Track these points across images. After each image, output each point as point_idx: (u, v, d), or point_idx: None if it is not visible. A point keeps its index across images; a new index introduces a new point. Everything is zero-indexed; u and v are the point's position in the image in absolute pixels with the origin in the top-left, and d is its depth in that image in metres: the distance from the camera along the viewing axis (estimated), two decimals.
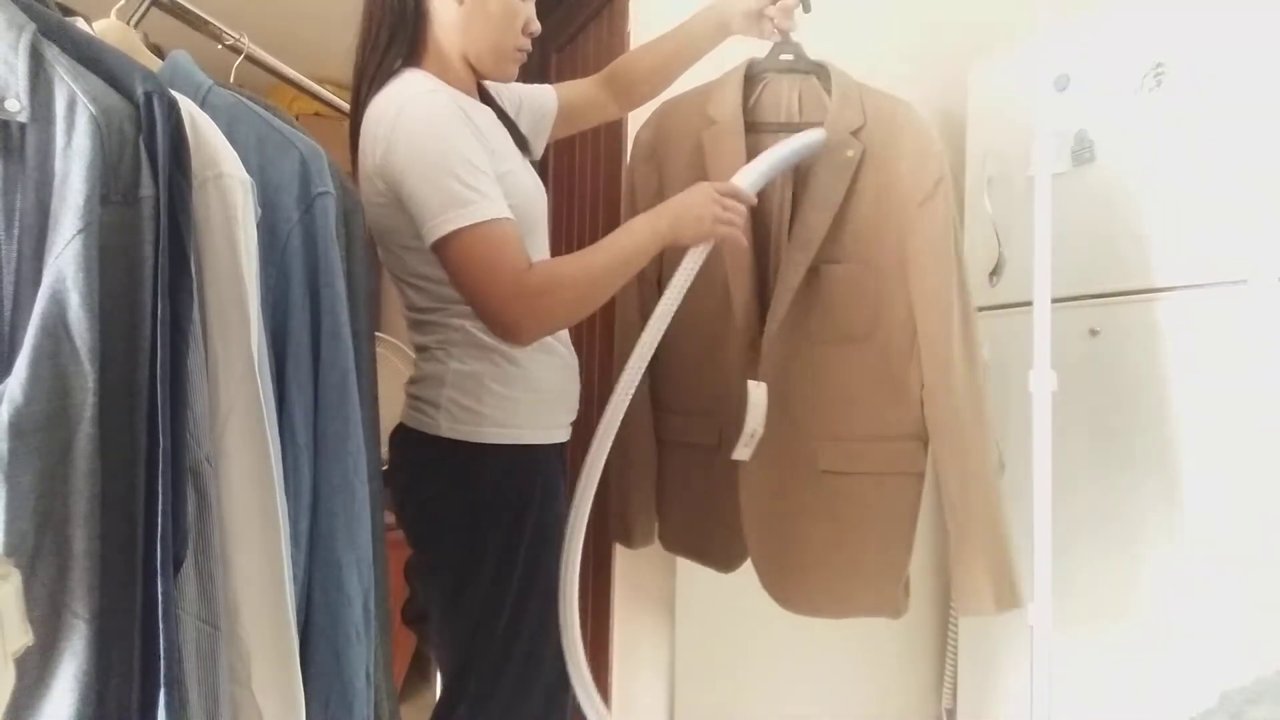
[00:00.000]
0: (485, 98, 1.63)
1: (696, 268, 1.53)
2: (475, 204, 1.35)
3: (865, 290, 1.72)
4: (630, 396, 1.52)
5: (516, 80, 1.65)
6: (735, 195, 1.54)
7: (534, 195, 1.55)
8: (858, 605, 1.80)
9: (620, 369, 1.54)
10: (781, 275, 1.71)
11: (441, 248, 1.38)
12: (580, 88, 1.86)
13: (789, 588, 1.79)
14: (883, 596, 1.75)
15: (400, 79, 1.47)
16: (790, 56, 1.79)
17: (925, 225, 1.69)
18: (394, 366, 2.56)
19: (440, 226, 1.35)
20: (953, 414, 1.69)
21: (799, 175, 1.75)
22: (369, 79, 1.49)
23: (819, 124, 1.72)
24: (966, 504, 1.67)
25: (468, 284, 1.39)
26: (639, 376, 1.52)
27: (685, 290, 1.52)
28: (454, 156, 1.36)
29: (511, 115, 1.69)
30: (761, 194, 1.70)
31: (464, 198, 1.35)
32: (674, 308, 1.53)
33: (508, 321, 1.39)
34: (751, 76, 1.80)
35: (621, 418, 1.52)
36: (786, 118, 1.78)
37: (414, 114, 1.39)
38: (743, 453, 1.70)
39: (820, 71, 1.78)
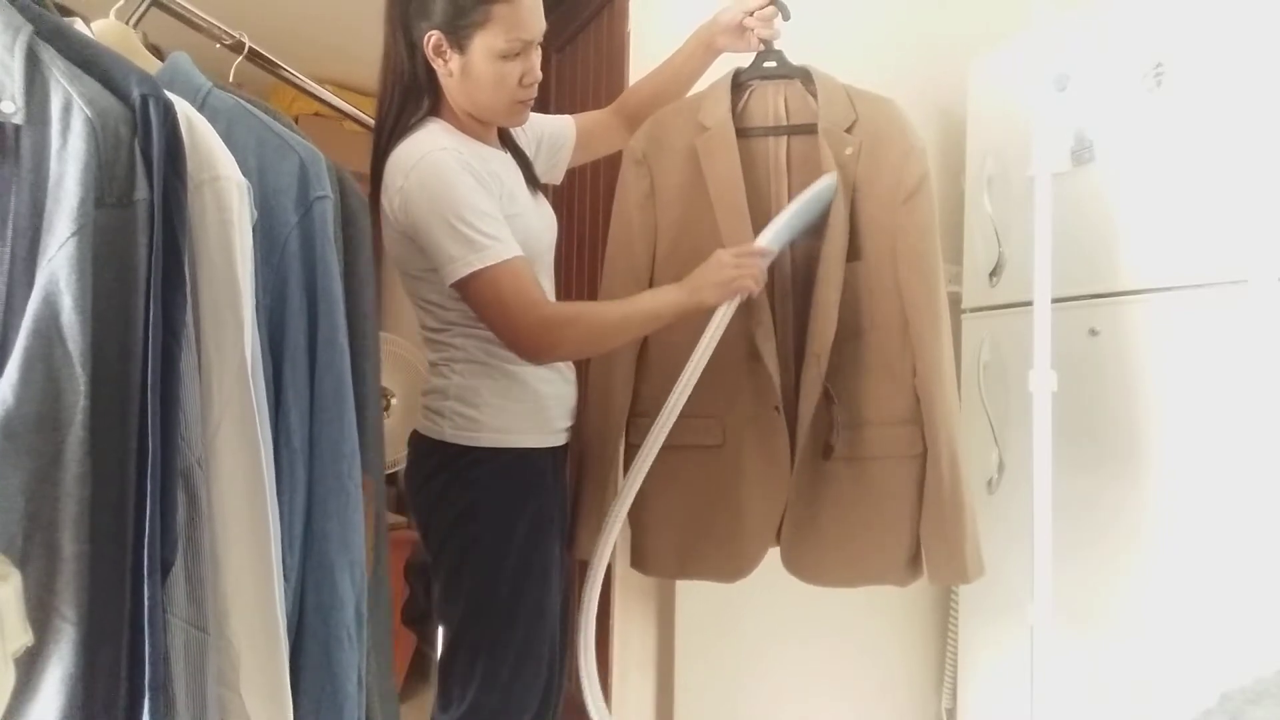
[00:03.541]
0: (505, 137, 1.76)
1: (723, 324, 1.65)
2: (489, 248, 1.51)
3: (862, 285, 1.77)
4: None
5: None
6: (752, 253, 1.66)
7: (538, 234, 1.69)
8: (868, 576, 1.85)
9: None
10: (823, 276, 1.75)
11: (462, 287, 1.54)
12: (595, 117, 1.99)
13: (805, 564, 1.82)
14: (889, 568, 1.81)
15: (421, 129, 1.60)
16: (773, 63, 1.86)
17: (912, 221, 1.75)
18: (416, 369, 2.58)
19: (459, 270, 1.51)
20: (944, 400, 1.75)
21: (793, 180, 1.81)
22: (386, 132, 1.63)
23: (811, 125, 1.78)
24: (958, 484, 1.74)
25: (490, 318, 1.56)
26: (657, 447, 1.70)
27: (714, 346, 1.66)
28: (465, 206, 1.52)
29: (530, 152, 1.82)
30: (757, 194, 1.80)
31: (478, 243, 1.51)
32: (702, 365, 1.66)
33: (526, 347, 1.58)
34: (738, 85, 1.87)
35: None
36: (774, 121, 1.85)
37: (425, 169, 1.53)
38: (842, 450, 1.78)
39: (803, 75, 1.84)
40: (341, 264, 1.28)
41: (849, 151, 1.75)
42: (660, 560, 1.89)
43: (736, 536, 1.81)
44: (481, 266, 1.50)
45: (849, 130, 1.77)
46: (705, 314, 1.65)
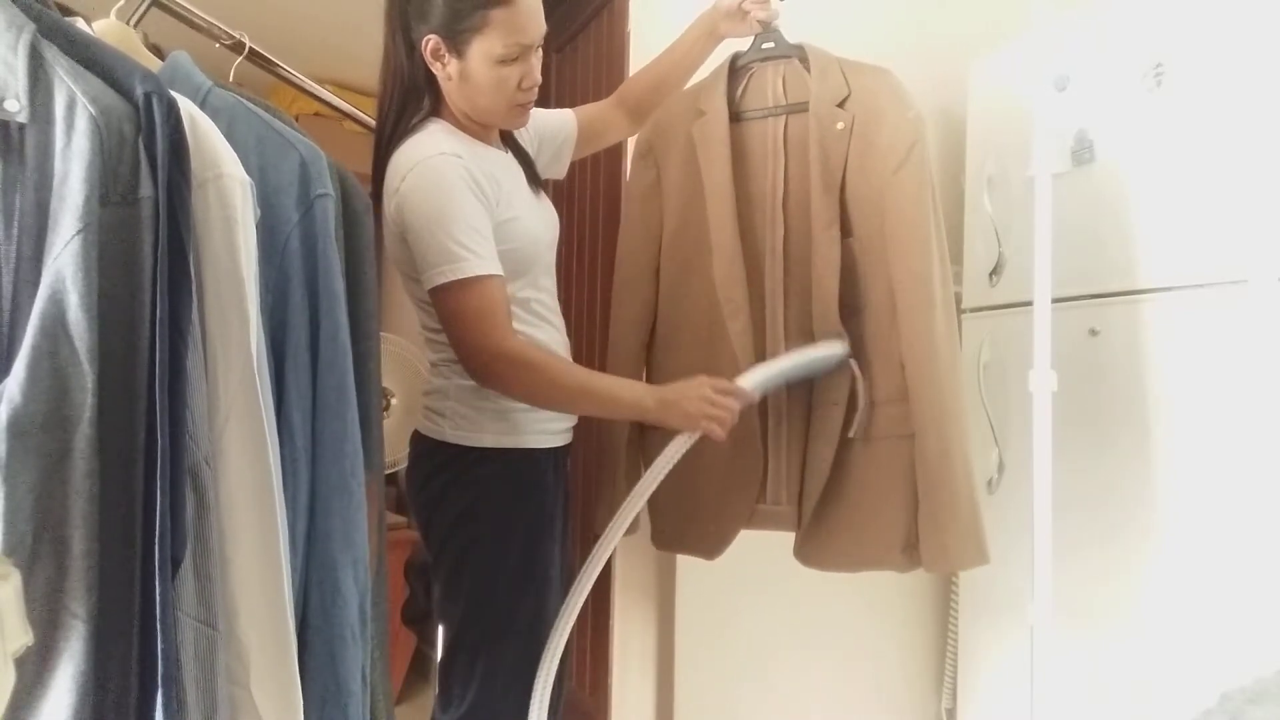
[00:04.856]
0: (506, 136, 1.76)
1: (680, 452, 1.63)
2: (466, 260, 1.50)
3: (856, 262, 1.75)
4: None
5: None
6: (732, 394, 1.62)
7: (537, 234, 1.69)
8: (865, 561, 1.81)
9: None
10: (818, 255, 1.74)
11: (435, 295, 1.54)
12: (596, 110, 1.97)
13: (812, 549, 1.81)
14: (886, 553, 1.76)
15: (422, 130, 1.60)
16: (771, 44, 1.86)
17: (899, 193, 1.70)
18: (415, 369, 2.58)
19: (434, 278, 1.51)
20: (933, 379, 1.69)
21: (789, 159, 1.81)
22: (387, 134, 1.62)
23: (803, 104, 1.78)
24: (946, 465, 1.68)
25: (451, 330, 1.56)
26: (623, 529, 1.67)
27: (668, 470, 1.63)
28: (451, 216, 1.51)
29: (532, 149, 1.81)
30: (755, 176, 1.82)
31: (456, 255, 1.50)
32: (653, 486, 1.65)
33: (475, 370, 1.57)
34: (739, 69, 1.87)
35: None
36: (773, 102, 1.84)
37: (423, 173, 1.53)
38: (856, 429, 1.74)
39: (799, 53, 1.84)
40: (345, 264, 1.29)
41: (840, 127, 1.73)
42: (660, 535, 1.95)
43: (716, 517, 1.85)
44: (454, 279, 1.50)
45: (841, 105, 1.75)
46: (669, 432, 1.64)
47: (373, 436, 1.33)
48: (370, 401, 1.33)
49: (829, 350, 1.71)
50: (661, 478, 1.64)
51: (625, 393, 1.66)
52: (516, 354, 1.55)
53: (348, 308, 1.27)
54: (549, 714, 1.71)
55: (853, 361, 1.72)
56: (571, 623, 1.65)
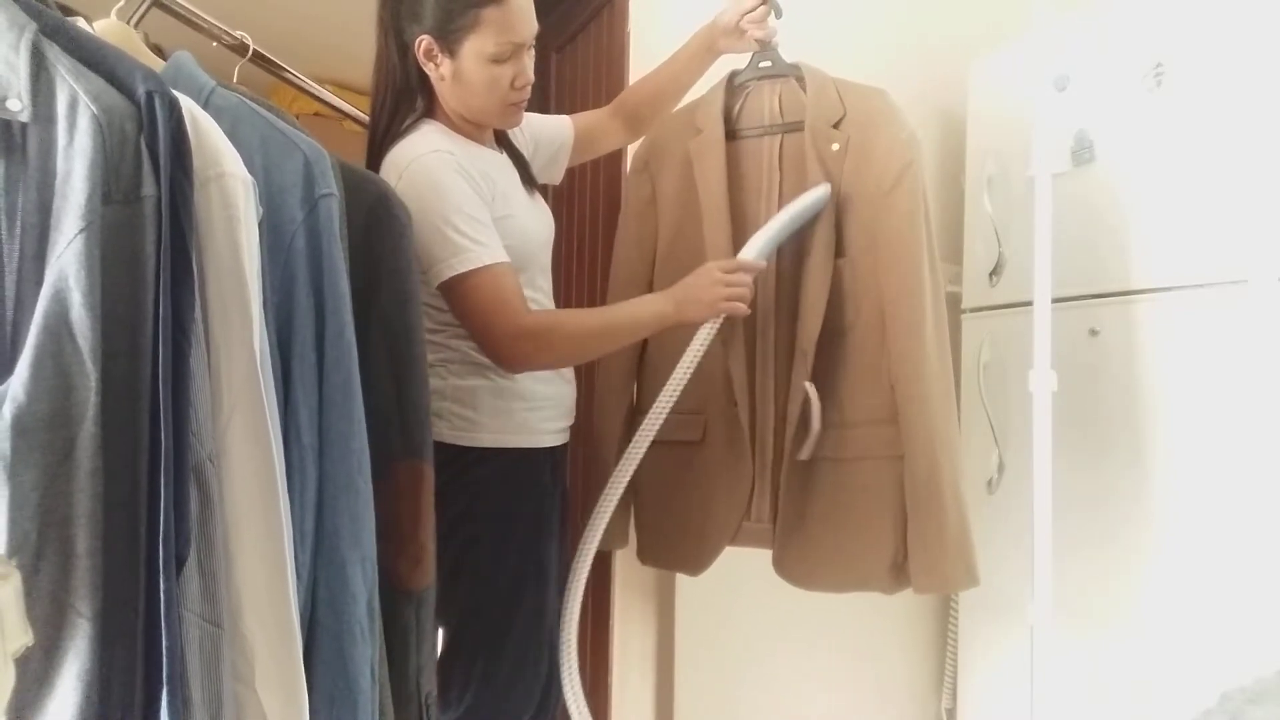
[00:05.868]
0: (501, 137, 1.76)
1: (706, 343, 1.66)
2: (472, 251, 1.51)
3: (847, 282, 1.75)
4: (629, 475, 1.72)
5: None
6: (740, 268, 1.66)
7: (532, 233, 1.69)
8: (851, 581, 1.80)
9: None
10: (809, 275, 1.75)
11: (445, 290, 1.54)
12: (593, 117, 1.97)
13: (794, 567, 1.80)
14: (872, 574, 1.75)
15: (416, 131, 1.60)
16: (768, 63, 1.86)
17: (892, 214, 1.71)
18: None
19: (443, 272, 1.51)
20: (924, 400, 1.69)
21: (785, 178, 1.82)
22: (380, 138, 1.63)
23: (799, 123, 1.79)
24: (935, 487, 1.67)
25: (469, 322, 1.56)
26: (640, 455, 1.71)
27: (695, 366, 1.66)
28: (452, 210, 1.51)
29: (527, 152, 1.81)
30: (750, 195, 1.82)
31: (462, 246, 1.51)
32: (681, 385, 1.67)
33: (502, 356, 1.57)
34: (736, 87, 1.88)
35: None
36: (770, 120, 1.85)
37: (417, 171, 1.53)
38: (806, 452, 1.75)
39: (796, 72, 1.84)
40: (390, 268, 1.33)
41: (835, 148, 1.74)
42: (646, 548, 1.95)
43: (702, 532, 1.84)
44: (463, 270, 1.50)
45: (836, 125, 1.75)
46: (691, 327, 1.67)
47: (424, 428, 1.35)
48: (419, 395, 1.35)
49: (814, 194, 1.72)
50: (686, 380, 1.66)
51: (644, 313, 1.67)
52: (535, 326, 1.57)
53: (392, 311, 1.31)
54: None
55: (808, 386, 1.72)
56: (578, 607, 1.68)
